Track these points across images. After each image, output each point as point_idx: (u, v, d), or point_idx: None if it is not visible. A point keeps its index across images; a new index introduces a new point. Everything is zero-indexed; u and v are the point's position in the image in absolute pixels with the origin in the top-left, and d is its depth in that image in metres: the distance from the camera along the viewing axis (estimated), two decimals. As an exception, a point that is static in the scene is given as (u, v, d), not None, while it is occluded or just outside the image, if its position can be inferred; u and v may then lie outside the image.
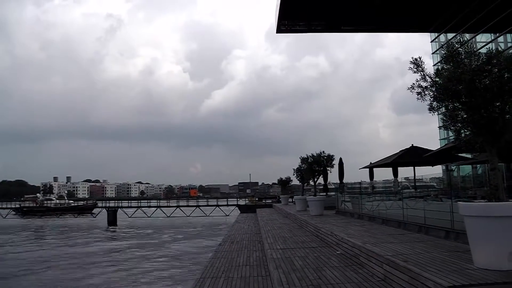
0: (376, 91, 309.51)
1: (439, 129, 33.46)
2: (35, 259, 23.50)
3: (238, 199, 57.98)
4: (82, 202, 77.71)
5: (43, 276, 18.96)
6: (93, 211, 56.55)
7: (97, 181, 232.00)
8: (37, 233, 41.40)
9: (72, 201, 77.33)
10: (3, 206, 59.71)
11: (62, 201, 73.62)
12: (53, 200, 77.76)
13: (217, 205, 50.79)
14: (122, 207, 53.01)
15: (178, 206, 51.92)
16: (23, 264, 21.71)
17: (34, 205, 68.12)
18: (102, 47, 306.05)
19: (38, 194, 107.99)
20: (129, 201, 65.54)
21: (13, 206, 61.63)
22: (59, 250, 27.55)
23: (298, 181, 28.33)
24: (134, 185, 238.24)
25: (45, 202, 71.88)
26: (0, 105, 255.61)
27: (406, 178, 20.39)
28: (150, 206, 54.80)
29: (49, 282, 17.68)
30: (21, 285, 17.44)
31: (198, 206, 51.53)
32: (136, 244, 30.34)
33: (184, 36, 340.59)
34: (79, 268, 20.56)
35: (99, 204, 60.26)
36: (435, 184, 22.24)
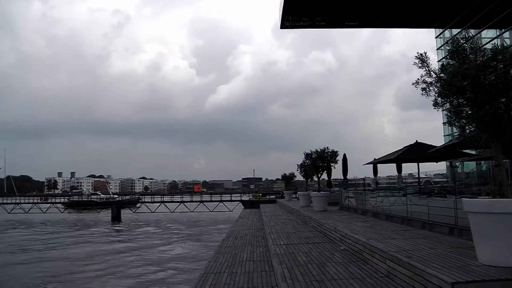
0: (381, 87, 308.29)
1: (444, 125, 33.39)
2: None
3: (242, 195, 58.13)
4: (127, 197, 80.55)
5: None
6: (137, 205, 57.70)
7: (101, 176, 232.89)
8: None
9: (117, 196, 79.92)
10: (50, 201, 61.50)
11: (108, 196, 75.96)
12: (99, 195, 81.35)
13: (221, 201, 50.91)
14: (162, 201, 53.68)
15: (181, 202, 52.10)
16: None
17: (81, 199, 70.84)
18: (109, 42, 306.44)
19: (84, 190, 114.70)
20: (133, 196, 66.10)
21: (62, 201, 63.77)
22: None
23: (302, 177, 28.31)
24: (138, 180, 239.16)
25: (91, 197, 74.04)
26: (6, 101, 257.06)
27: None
28: (154, 202, 55.10)
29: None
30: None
31: (201, 201, 51.70)
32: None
33: (191, 32, 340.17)
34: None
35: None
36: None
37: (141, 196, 70.63)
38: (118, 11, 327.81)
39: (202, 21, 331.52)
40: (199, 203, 51.11)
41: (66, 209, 59.55)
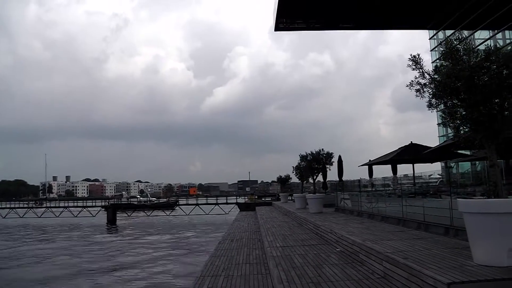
0: (378, 88, 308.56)
1: (438, 126, 33.57)
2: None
3: (238, 197, 58.09)
4: (164, 199, 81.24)
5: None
6: (175, 208, 57.02)
7: (96, 180, 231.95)
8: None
9: (154, 199, 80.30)
10: (92, 204, 59.75)
11: (145, 199, 75.87)
12: (137, 197, 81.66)
13: (217, 203, 50.78)
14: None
15: (177, 205, 51.98)
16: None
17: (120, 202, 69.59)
18: (106, 46, 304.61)
19: (123, 193, 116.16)
20: (129, 200, 65.68)
21: (102, 204, 62.78)
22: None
23: (298, 179, 28.35)
24: (134, 184, 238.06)
25: (129, 200, 73.65)
26: (2, 105, 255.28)
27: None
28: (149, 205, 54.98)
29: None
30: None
31: (197, 204, 51.57)
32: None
33: (189, 34, 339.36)
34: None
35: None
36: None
37: (178, 199, 70.26)
38: (115, 15, 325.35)
39: (199, 23, 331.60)
40: (194, 206, 51.00)
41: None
